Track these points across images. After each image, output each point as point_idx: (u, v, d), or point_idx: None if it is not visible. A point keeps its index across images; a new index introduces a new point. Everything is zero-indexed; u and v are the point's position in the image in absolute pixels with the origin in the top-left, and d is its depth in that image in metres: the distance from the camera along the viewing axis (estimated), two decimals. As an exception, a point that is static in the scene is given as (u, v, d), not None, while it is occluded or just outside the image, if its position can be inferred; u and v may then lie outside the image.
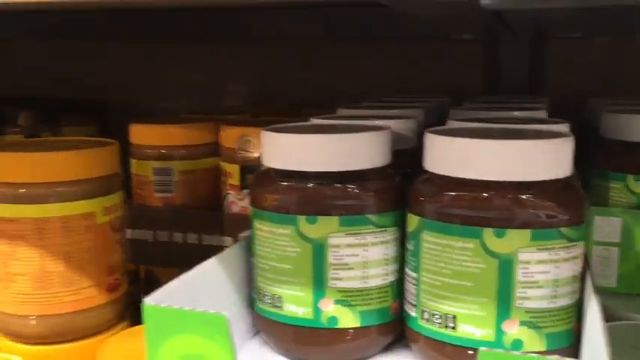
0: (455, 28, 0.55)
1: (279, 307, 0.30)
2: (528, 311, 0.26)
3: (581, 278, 0.28)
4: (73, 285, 0.35)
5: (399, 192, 0.30)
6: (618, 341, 0.31)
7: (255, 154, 0.45)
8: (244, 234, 0.43)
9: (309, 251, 0.29)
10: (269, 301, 0.31)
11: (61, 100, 0.74)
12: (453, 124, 0.34)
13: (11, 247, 0.35)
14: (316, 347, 0.30)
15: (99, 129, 0.70)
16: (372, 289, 0.30)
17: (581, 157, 0.29)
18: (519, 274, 0.26)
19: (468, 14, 0.38)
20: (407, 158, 0.34)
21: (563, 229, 0.26)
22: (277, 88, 0.72)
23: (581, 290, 0.28)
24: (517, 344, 0.27)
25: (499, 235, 0.26)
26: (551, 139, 0.27)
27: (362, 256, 0.29)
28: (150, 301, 0.25)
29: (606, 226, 0.38)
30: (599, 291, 0.27)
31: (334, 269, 0.29)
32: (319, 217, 0.29)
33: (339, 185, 0.29)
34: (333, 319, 0.30)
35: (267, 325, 0.31)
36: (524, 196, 0.26)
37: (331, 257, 0.29)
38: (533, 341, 0.27)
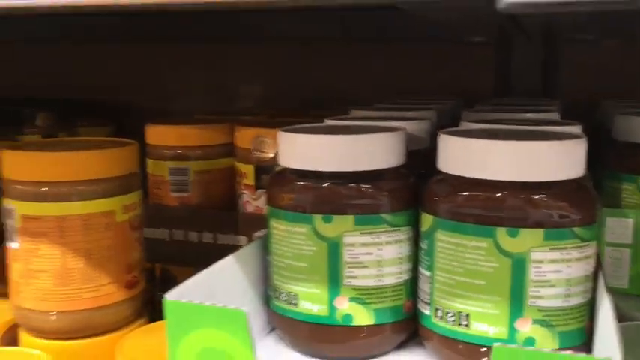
0: (468, 30, 0.55)
1: (295, 305, 0.31)
2: (541, 309, 0.27)
3: (594, 277, 0.28)
4: (93, 282, 0.36)
5: (413, 192, 0.31)
6: (630, 342, 0.31)
7: (270, 155, 0.45)
8: (259, 233, 0.43)
9: (324, 250, 0.30)
10: (285, 299, 0.31)
11: (77, 102, 0.75)
12: (466, 126, 0.34)
13: (34, 244, 0.36)
14: (331, 344, 0.31)
15: (114, 130, 0.71)
16: (386, 287, 0.30)
17: (593, 159, 0.30)
18: (532, 272, 0.27)
19: (482, 17, 0.38)
20: (420, 159, 0.34)
21: (576, 229, 0.27)
22: (289, 89, 0.72)
23: (594, 289, 0.28)
24: (530, 342, 0.27)
25: (512, 235, 0.27)
26: (564, 141, 0.27)
27: (376, 254, 0.30)
28: (171, 296, 0.25)
29: (618, 227, 0.38)
30: (611, 291, 0.27)
31: (349, 267, 0.30)
32: (335, 217, 0.30)
33: (354, 185, 0.30)
34: (348, 316, 0.30)
35: (283, 322, 0.32)
36: (537, 197, 0.27)
37: (346, 255, 0.30)
38: (546, 339, 0.27)
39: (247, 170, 0.46)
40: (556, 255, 0.27)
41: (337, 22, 0.67)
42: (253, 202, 0.47)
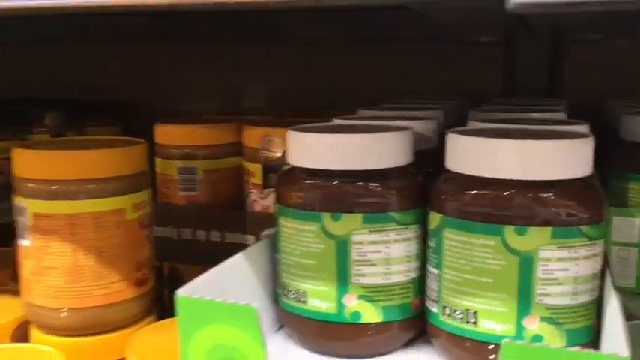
0: (473, 30, 0.55)
1: (304, 302, 0.31)
2: (548, 307, 0.27)
3: (601, 276, 0.28)
4: (103, 279, 0.37)
5: (421, 191, 0.31)
6: (636, 341, 0.31)
7: (278, 154, 0.46)
8: (266, 232, 0.44)
9: (333, 247, 0.30)
10: (293, 296, 0.32)
11: (85, 102, 0.76)
12: (473, 125, 0.34)
13: (45, 242, 0.36)
14: (339, 341, 0.31)
15: (121, 130, 0.71)
16: (394, 285, 0.31)
17: (600, 159, 0.30)
18: (540, 271, 0.27)
19: (488, 17, 0.38)
20: (427, 158, 0.34)
21: (583, 228, 0.27)
22: (296, 89, 0.73)
23: (601, 288, 0.28)
24: (537, 339, 0.27)
25: (520, 233, 0.27)
26: (572, 140, 0.27)
27: (384, 252, 0.30)
28: (182, 292, 0.26)
29: (625, 226, 0.38)
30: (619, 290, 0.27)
31: (357, 265, 0.30)
32: (343, 215, 0.30)
33: (362, 184, 0.30)
34: (356, 314, 0.30)
35: (291, 320, 0.32)
36: (545, 195, 0.27)
37: (355, 253, 0.30)
38: (553, 337, 0.27)
39: (255, 169, 0.47)
40: (564, 253, 0.27)
41: (342, 23, 0.67)
42: (261, 200, 0.47)
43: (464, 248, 0.28)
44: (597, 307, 0.28)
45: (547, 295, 0.27)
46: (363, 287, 0.30)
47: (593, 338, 0.28)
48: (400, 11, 0.61)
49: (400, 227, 0.30)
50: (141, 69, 0.78)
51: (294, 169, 0.32)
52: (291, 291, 0.32)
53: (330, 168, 0.30)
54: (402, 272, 0.31)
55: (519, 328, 0.27)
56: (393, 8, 0.60)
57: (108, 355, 0.37)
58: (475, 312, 0.28)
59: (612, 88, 0.60)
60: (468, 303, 0.28)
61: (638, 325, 0.34)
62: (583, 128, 0.32)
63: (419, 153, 0.33)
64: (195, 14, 0.68)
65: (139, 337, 0.37)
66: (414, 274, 0.31)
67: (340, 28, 0.69)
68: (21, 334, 0.40)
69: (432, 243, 0.30)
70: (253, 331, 0.24)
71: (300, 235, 0.31)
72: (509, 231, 0.27)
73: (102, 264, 0.36)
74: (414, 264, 0.31)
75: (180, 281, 0.27)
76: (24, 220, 0.37)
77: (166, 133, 0.51)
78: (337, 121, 0.37)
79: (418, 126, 0.35)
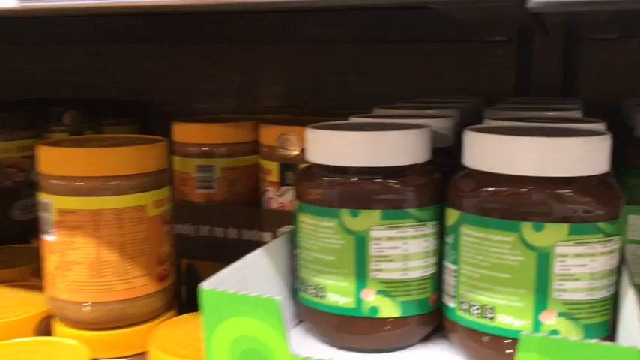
0: (488, 29, 0.56)
1: (322, 297, 0.32)
2: (566, 303, 0.27)
3: (618, 272, 0.29)
4: (126, 274, 0.38)
5: (438, 187, 0.32)
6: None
7: (294, 152, 0.46)
8: (283, 229, 0.44)
9: (351, 243, 0.31)
10: (312, 291, 0.32)
11: (103, 101, 0.77)
12: (490, 123, 0.35)
13: (69, 237, 0.37)
14: (357, 335, 0.32)
15: (138, 128, 0.72)
16: (412, 281, 0.31)
17: (615, 157, 0.30)
18: (557, 266, 0.27)
19: (504, 16, 0.38)
20: (444, 156, 0.35)
21: (600, 224, 0.27)
22: (310, 89, 0.73)
23: (617, 283, 0.29)
24: (554, 334, 0.28)
25: (537, 229, 0.27)
26: (589, 137, 0.28)
27: (402, 248, 0.31)
28: (207, 285, 0.26)
29: (640, 224, 0.38)
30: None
31: (376, 261, 0.31)
32: (362, 211, 0.30)
33: (381, 180, 0.31)
34: (374, 308, 0.31)
35: (311, 314, 0.33)
36: (562, 192, 0.27)
37: (373, 249, 0.31)
38: (570, 332, 0.28)
39: (272, 167, 0.47)
40: (581, 249, 0.27)
41: (357, 23, 0.68)
42: (278, 198, 0.48)
43: (481, 244, 0.28)
44: (614, 303, 0.29)
45: (564, 290, 0.27)
46: (381, 282, 0.31)
47: (609, 334, 0.28)
48: (415, 11, 0.62)
49: (418, 223, 0.31)
50: (157, 68, 0.79)
51: (313, 166, 0.32)
52: (310, 286, 0.32)
53: (349, 165, 0.31)
54: (419, 268, 0.31)
55: (536, 323, 0.28)
56: (407, 8, 0.61)
57: (130, 349, 0.38)
58: (492, 307, 0.28)
59: (628, 87, 0.60)
60: (485, 298, 0.29)
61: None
62: (599, 126, 0.32)
63: (436, 151, 0.33)
64: (213, 15, 0.69)
65: (161, 330, 0.38)
66: (431, 270, 0.32)
67: (355, 28, 0.69)
68: (43, 328, 0.41)
69: (449, 239, 0.30)
70: (276, 323, 0.25)
71: (319, 231, 0.31)
72: (526, 227, 0.27)
73: (124, 259, 0.37)
74: (432, 260, 0.32)
75: (197, 278, 0.28)
76: (48, 216, 0.38)
77: (185, 132, 0.52)
78: (354, 120, 0.37)
79: (435, 124, 0.35)
